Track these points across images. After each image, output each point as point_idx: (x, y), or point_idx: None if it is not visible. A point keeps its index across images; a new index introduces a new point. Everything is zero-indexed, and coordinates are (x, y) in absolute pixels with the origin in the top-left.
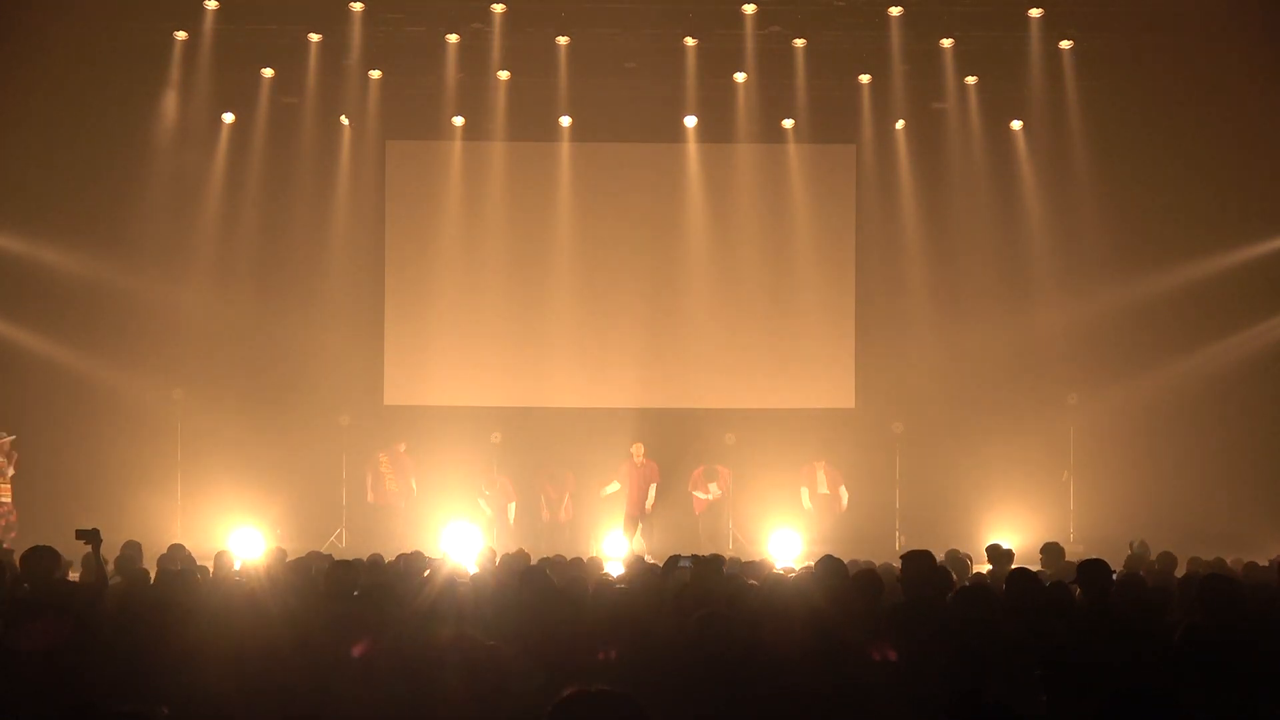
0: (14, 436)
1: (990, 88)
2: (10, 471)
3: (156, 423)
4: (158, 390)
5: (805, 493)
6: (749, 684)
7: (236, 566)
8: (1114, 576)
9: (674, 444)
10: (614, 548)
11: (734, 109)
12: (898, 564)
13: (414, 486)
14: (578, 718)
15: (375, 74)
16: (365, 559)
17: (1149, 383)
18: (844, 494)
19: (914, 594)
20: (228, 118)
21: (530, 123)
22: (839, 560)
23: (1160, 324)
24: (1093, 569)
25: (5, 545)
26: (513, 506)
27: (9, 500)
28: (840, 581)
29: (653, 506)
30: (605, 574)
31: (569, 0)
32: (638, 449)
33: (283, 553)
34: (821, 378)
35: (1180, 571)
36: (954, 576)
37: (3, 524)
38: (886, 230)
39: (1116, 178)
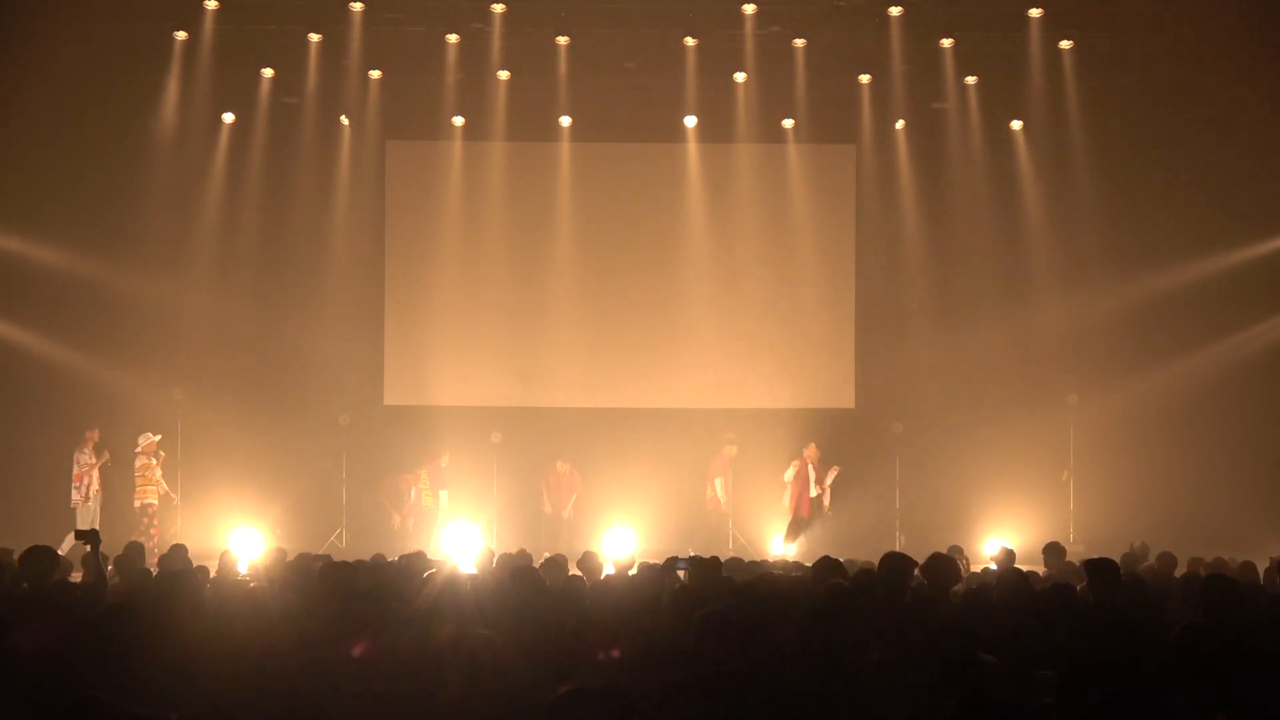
0: (160, 436)
1: (990, 88)
2: (158, 472)
3: (156, 423)
4: (158, 390)
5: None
6: (750, 684)
7: (241, 567)
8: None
9: (673, 444)
10: (613, 548)
11: (734, 109)
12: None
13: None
14: (572, 715)
15: (375, 74)
16: (368, 559)
17: (1148, 383)
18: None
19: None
20: (228, 118)
21: (530, 123)
22: (836, 560)
23: (1160, 324)
24: (1102, 568)
25: (152, 547)
26: (410, 494)
27: (155, 502)
28: (840, 581)
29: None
30: (606, 574)
31: (569, 0)
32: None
33: (283, 553)
34: (821, 378)
35: (1180, 571)
36: (962, 570)
37: (148, 524)
38: (886, 230)
39: (1116, 178)
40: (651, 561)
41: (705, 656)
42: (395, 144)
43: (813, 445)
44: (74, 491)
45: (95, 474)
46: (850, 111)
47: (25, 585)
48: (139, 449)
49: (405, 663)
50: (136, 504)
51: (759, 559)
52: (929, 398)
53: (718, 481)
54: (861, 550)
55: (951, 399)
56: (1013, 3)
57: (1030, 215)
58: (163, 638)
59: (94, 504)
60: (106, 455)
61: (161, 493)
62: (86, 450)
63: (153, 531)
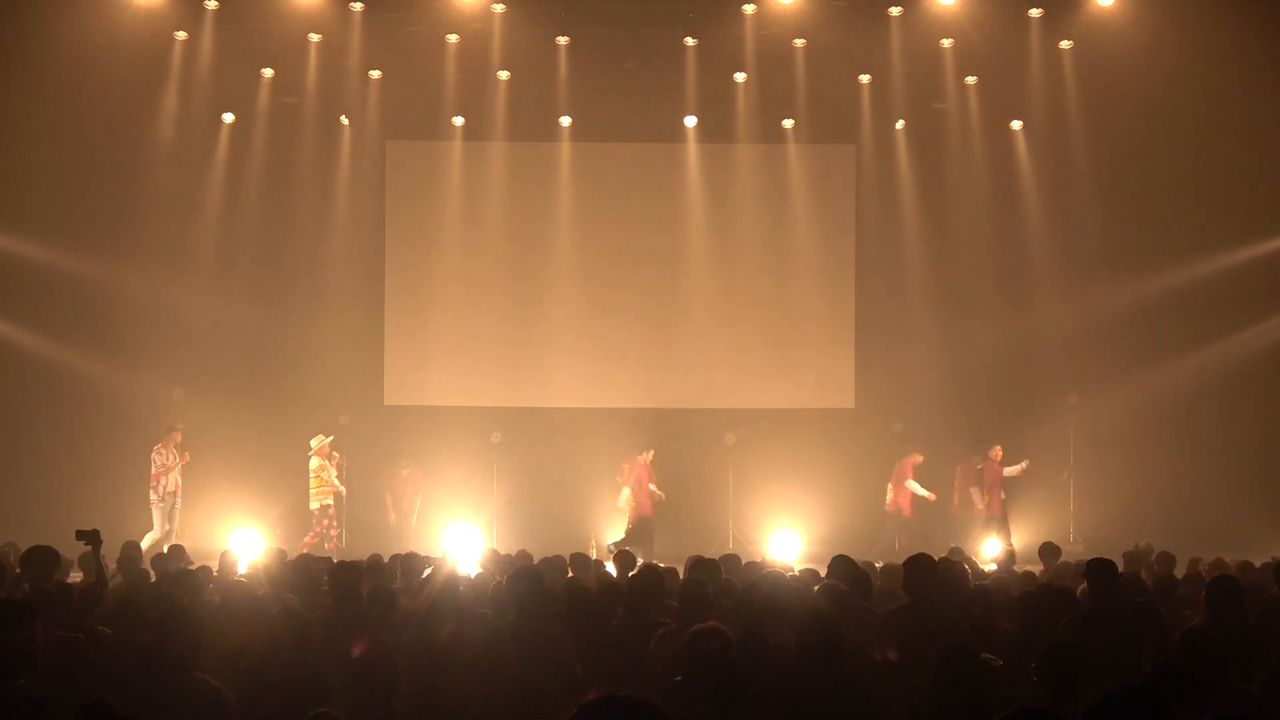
0: (331, 437)
1: (990, 88)
2: (332, 471)
3: (156, 423)
4: (158, 390)
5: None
6: (745, 691)
7: (241, 567)
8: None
9: (674, 444)
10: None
11: (734, 109)
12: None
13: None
14: None
15: (375, 74)
16: (365, 559)
17: (1149, 383)
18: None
19: (918, 596)
20: (228, 118)
21: (530, 123)
22: (850, 560)
23: (1160, 324)
24: (1100, 568)
25: (332, 549)
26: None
27: (331, 503)
28: (848, 582)
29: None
30: (605, 573)
31: (569, 0)
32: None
33: (283, 553)
34: (821, 378)
35: (1180, 571)
36: (968, 571)
37: (327, 525)
38: (886, 230)
39: (1116, 178)
40: (652, 562)
41: (699, 673)
42: (395, 144)
43: (998, 448)
44: (151, 491)
45: (175, 475)
46: (850, 111)
47: (26, 585)
48: (312, 451)
49: (407, 662)
50: (314, 506)
51: (757, 559)
52: (929, 398)
53: (911, 484)
54: (861, 550)
55: (951, 399)
56: (1013, 3)
57: (1030, 215)
58: (164, 638)
59: (169, 504)
60: (187, 456)
61: (335, 491)
62: (165, 450)
63: (333, 532)
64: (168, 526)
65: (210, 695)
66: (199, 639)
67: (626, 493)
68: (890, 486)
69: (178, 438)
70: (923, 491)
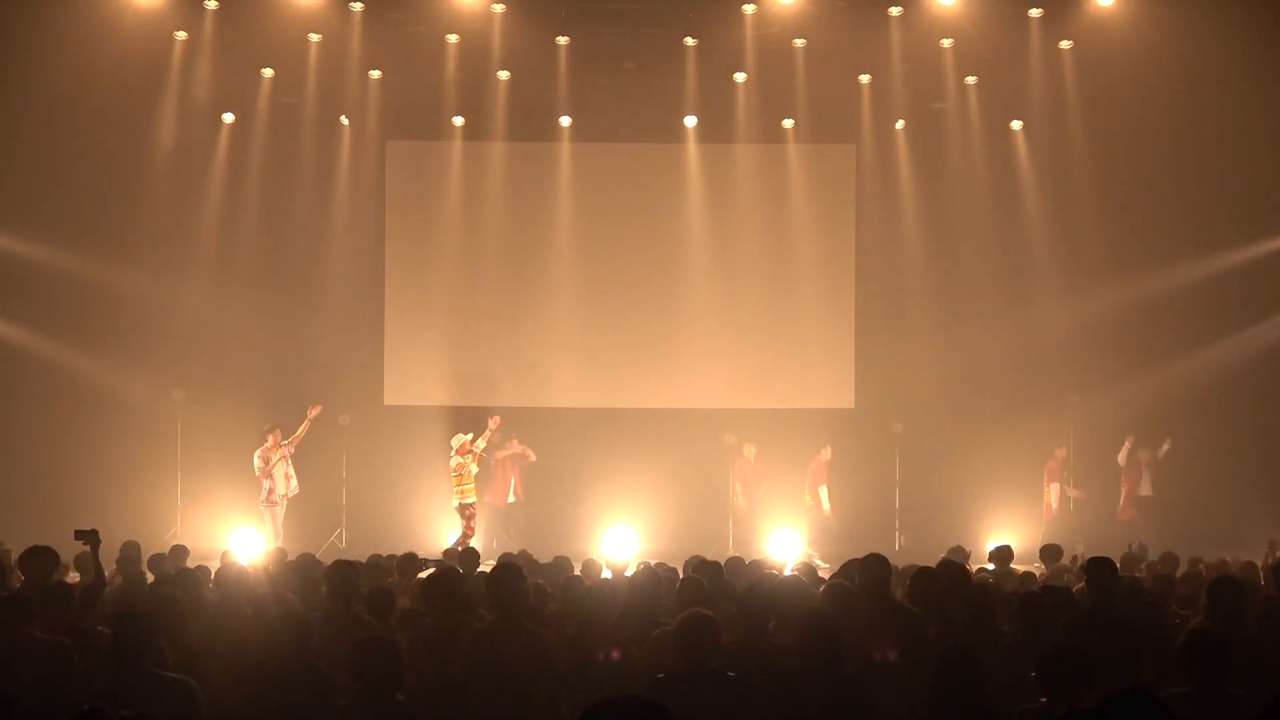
0: (471, 435)
1: (990, 88)
2: (473, 468)
3: (156, 423)
4: (158, 390)
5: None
6: (741, 686)
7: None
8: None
9: (674, 444)
10: (613, 548)
11: (734, 109)
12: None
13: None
14: None
15: (375, 74)
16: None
17: (1149, 383)
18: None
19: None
20: (228, 118)
21: (530, 123)
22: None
23: (1160, 324)
24: (1098, 569)
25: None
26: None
27: (474, 501)
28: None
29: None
30: (604, 576)
31: (569, 0)
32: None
33: (282, 553)
34: (821, 378)
35: (1180, 571)
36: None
37: (465, 524)
38: (886, 230)
39: (1116, 178)
40: (652, 562)
41: (685, 656)
42: (395, 144)
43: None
44: (261, 503)
45: (283, 470)
46: (850, 111)
47: (24, 585)
48: (454, 449)
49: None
50: (455, 504)
51: (756, 560)
52: (929, 398)
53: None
54: (860, 551)
55: (951, 399)
56: (1013, 3)
57: (1030, 215)
58: (164, 637)
59: (282, 508)
60: (290, 447)
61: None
62: (266, 452)
63: (468, 531)
64: (279, 532)
65: (172, 688)
66: (152, 633)
67: (824, 492)
68: (1048, 489)
69: (278, 435)
70: (1073, 492)
